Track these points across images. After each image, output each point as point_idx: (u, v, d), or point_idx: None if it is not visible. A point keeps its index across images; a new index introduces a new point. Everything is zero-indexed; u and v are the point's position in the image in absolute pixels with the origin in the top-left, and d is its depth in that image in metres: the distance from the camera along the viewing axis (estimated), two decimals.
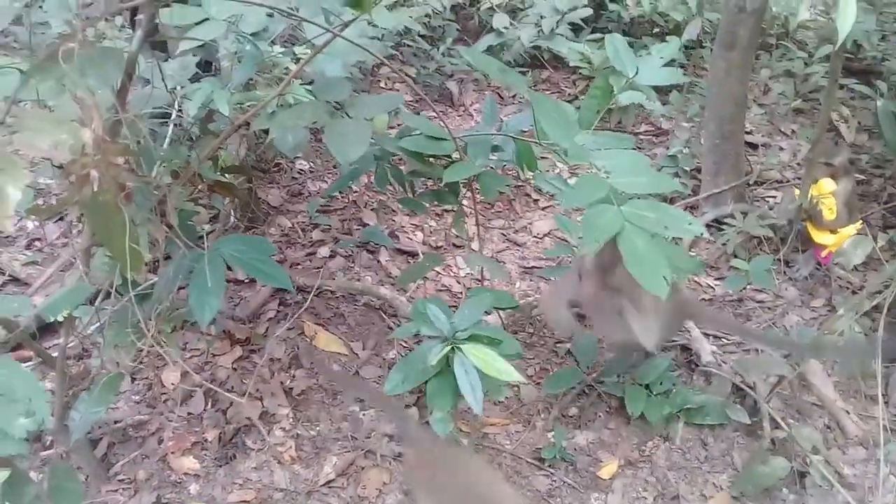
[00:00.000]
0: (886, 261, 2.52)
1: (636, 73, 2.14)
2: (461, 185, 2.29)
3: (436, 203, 2.39)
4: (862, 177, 3.90)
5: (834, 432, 2.56)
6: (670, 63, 3.88)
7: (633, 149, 1.99)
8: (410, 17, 3.82)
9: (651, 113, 4.39)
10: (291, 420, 2.59)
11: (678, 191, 3.73)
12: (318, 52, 2.05)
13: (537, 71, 5.17)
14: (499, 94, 4.98)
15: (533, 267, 3.44)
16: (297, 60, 2.68)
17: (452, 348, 1.85)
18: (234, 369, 2.70)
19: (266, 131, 2.51)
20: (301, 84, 2.51)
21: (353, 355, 2.85)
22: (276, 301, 3.03)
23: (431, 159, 2.15)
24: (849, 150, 3.56)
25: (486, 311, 2.56)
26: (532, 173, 2.20)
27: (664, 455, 2.51)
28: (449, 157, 2.16)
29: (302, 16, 2.09)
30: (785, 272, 3.35)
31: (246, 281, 3.05)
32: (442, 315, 1.90)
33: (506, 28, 4.30)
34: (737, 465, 2.46)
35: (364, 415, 2.62)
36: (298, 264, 3.26)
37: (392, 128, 3.17)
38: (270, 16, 2.27)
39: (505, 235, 3.68)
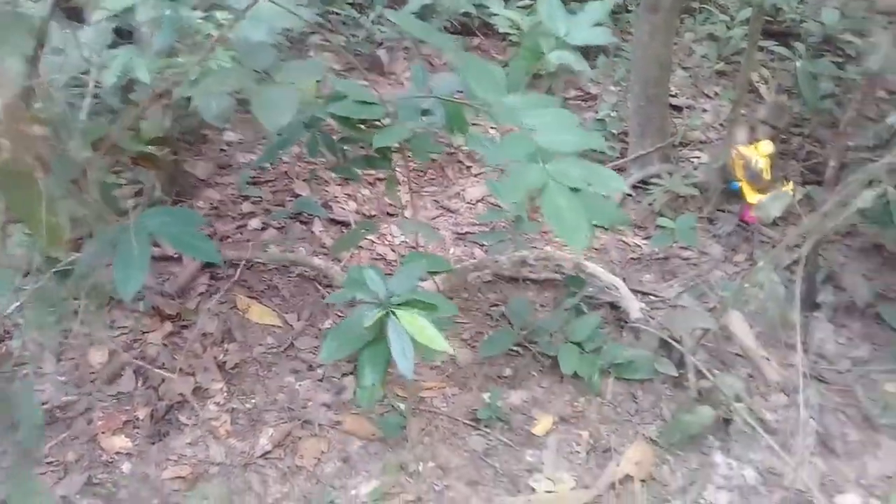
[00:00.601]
0: (804, 215, 2.62)
1: (566, 32, 2.15)
2: (393, 151, 2.27)
3: (368, 169, 2.37)
4: (782, 135, 4.04)
5: (756, 380, 2.67)
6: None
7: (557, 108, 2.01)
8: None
9: (580, 78, 4.44)
10: (226, 394, 2.56)
11: (605, 152, 3.80)
12: (241, 17, 2.00)
13: (467, 38, 5.16)
14: (429, 62, 4.96)
15: (467, 233, 3.46)
16: (221, 27, 2.61)
17: (387, 313, 1.85)
18: (165, 346, 2.65)
19: (190, 100, 2.44)
20: (225, 51, 2.45)
21: (287, 327, 2.83)
22: (207, 275, 2.97)
23: (362, 125, 2.13)
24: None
25: (421, 277, 2.60)
26: (463, 136, 2.20)
27: (596, 410, 2.57)
28: (379, 121, 2.14)
29: None
30: (709, 230, 3.46)
31: (175, 256, 2.97)
32: (378, 279, 1.90)
33: None
34: (665, 416, 2.55)
35: (300, 385, 2.61)
36: (229, 237, 3.20)
37: (320, 98, 3.14)
38: None
39: (438, 202, 3.69)
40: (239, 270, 2.92)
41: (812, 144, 3.87)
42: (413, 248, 3.23)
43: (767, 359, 2.36)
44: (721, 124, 4.08)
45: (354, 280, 1.95)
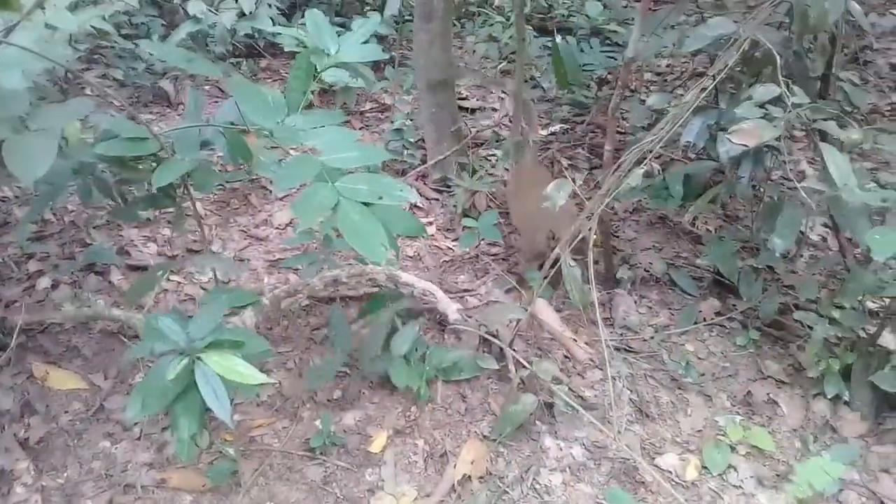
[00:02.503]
0: (588, 198, 2.80)
1: (337, 50, 2.16)
2: (177, 187, 2.16)
3: (153, 209, 2.24)
4: (566, 126, 4.30)
5: (572, 361, 2.82)
6: (377, 39, 3.95)
7: (343, 124, 2.02)
8: (99, 16, 3.51)
9: (372, 90, 4.48)
10: (33, 473, 2.33)
11: (407, 161, 3.86)
12: None
13: (255, 60, 5.06)
14: (219, 88, 4.80)
15: (279, 259, 3.38)
16: None
17: (192, 360, 1.76)
18: None
19: None
20: None
21: (94, 388, 2.62)
22: None
23: (137, 163, 2.01)
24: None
25: (231, 313, 2.50)
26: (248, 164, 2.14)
27: (429, 416, 2.60)
28: (156, 156, 2.03)
29: None
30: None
31: None
32: (175, 326, 1.79)
33: (202, 14, 4.10)
34: (494, 410, 2.62)
35: (116, 448, 2.42)
36: (16, 302, 2.92)
37: (88, 140, 2.93)
38: None
39: (246, 232, 3.58)
40: (28, 336, 2.67)
41: (594, 131, 4.15)
42: (225, 283, 3.12)
43: (575, 340, 2.48)
44: (509, 120, 4.26)
45: (152, 329, 1.84)
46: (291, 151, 3.76)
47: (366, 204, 1.75)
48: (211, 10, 4.23)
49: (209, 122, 2.15)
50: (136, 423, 2.49)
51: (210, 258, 2.30)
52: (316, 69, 2.09)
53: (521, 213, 3.14)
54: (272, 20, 4.48)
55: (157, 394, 1.82)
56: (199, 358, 1.76)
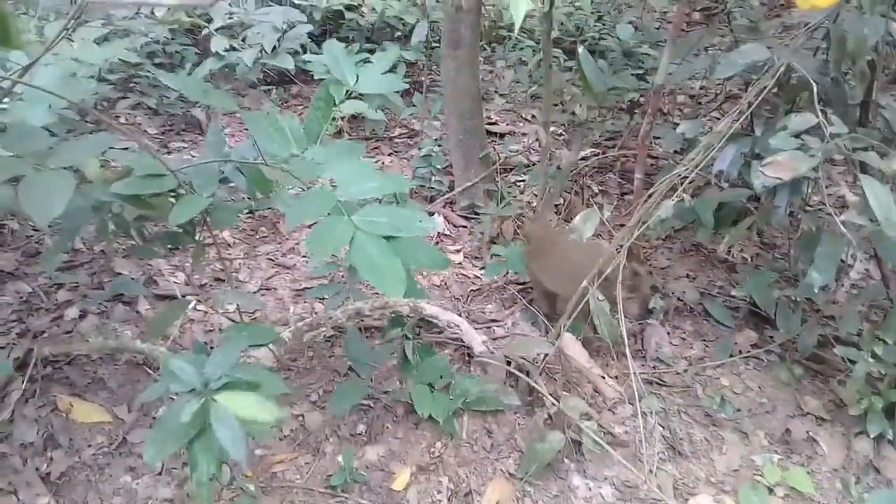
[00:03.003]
0: (620, 225, 2.73)
1: (356, 81, 2.14)
2: (196, 222, 2.15)
3: (172, 246, 2.23)
4: (597, 150, 4.23)
5: (601, 396, 2.73)
6: (406, 65, 3.92)
7: (372, 151, 1.99)
8: (129, 49, 3.55)
9: (401, 117, 4.47)
10: None
11: (434, 187, 3.83)
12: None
13: (286, 87, 5.08)
14: None
15: (305, 288, 3.36)
16: None
17: (207, 401, 1.72)
18: None
19: None
20: None
21: (118, 421, 2.61)
22: (21, 379, 2.69)
23: (154, 200, 1.99)
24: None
25: (254, 347, 2.47)
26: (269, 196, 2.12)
27: (453, 452, 2.54)
28: (175, 192, 2.02)
29: None
30: None
31: None
32: (188, 367, 1.76)
33: (226, 51, 4.15)
34: (521, 447, 2.55)
35: (137, 484, 2.40)
36: (44, 332, 2.93)
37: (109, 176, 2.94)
38: None
39: (273, 260, 3.57)
40: (55, 368, 2.68)
41: (625, 155, 4.07)
42: (251, 314, 3.10)
43: (603, 376, 2.40)
44: (539, 146, 4.21)
45: (169, 370, 1.81)
46: (311, 184, 3.79)
47: (388, 237, 1.71)
48: (236, 46, 4.26)
49: (230, 155, 2.14)
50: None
51: (230, 293, 2.28)
52: (335, 101, 2.07)
53: (553, 278, 2.98)
54: (303, 47, 4.49)
55: (173, 435, 1.78)
56: (214, 399, 1.73)
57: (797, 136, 2.11)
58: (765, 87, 2.20)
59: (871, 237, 2.16)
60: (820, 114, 2.08)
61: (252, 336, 2.10)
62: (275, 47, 4.11)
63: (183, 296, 3.12)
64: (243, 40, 4.24)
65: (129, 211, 2.10)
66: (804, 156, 2.02)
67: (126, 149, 2.38)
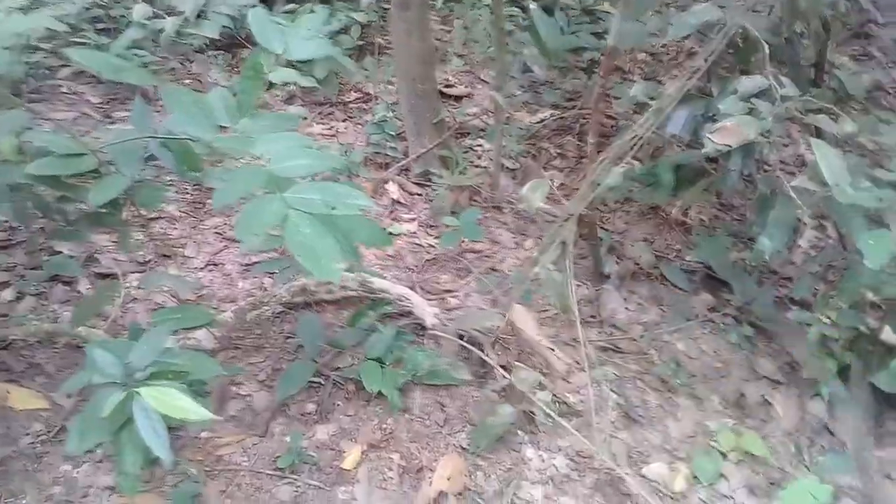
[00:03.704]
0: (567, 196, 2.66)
1: (285, 49, 2.02)
2: (122, 202, 2.03)
3: (98, 227, 2.12)
4: (556, 112, 4.14)
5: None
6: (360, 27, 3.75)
7: (327, 116, 1.89)
8: (55, 16, 3.36)
9: (353, 79, 4.32)
10: None
11: (388, 154, 3.72)
12: None
13: (235, 51, 4.90)
14: (199, 81, 4.66)
15: (254, 262, 3.25)
16: None
17: (129, 394, 1.64)
18: None
19: None
20: None
21: (56, 407, 2.52)
22: None
23: (73, 181, 1.88)
24: None
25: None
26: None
27: (405, 427, 2.49)
28: (97, 172, 1.90)
29: None
30: (498, 218, 3.47)
31: None
32: (110, 358, 1.68)
33: (149, 19, 4.00)
34: (474, 420, 2.50)
35: (78, 472, 2.32)
36: None
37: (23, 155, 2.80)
38: None
39: (221, 234, 3.45)
40: None
41: (584, 117, 3.98)
42: (197, 291, 3.00)
43: (552, 349, 2.36)
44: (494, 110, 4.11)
45: (91, 360, 1.72)
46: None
47: (325, 216, 1.62)
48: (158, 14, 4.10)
49: (158, 131, 2.02)
50: (97, 446, 2.38)
51: (162, 276, 2.19)
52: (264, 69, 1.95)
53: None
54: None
55: (95, 428, 1.71)
56: (137, 392, 1.65)
57: (748, 99, 2.04)
58: (713, 51, 2.12)
59: (822, 203, 2.11)
60: (771, 76, 2.01)
61: (185, 319, 2.01)
62: (200, 14, 3.96)
63: (125, 274, 3.01)
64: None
65: (49, 191, 1.98)
66: (753, 120, 1.96)
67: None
